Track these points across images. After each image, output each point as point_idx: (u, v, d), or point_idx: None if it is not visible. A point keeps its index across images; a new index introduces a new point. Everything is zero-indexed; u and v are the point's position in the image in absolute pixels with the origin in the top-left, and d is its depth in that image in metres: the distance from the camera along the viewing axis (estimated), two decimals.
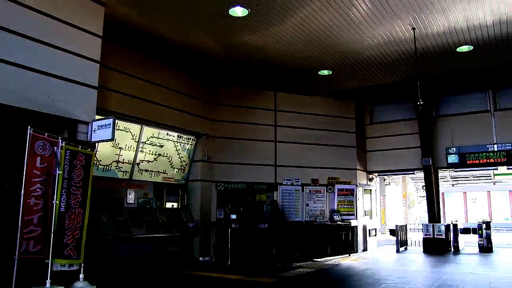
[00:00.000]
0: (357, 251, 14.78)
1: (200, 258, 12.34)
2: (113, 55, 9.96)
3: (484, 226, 14.93)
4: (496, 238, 17.59)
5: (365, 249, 15.37)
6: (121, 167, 10.86)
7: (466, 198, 30.17)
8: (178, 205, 12.74)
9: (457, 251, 14.72)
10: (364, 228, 15.57)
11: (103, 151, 10.16)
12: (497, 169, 16.41)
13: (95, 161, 9.77)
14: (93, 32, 8.10)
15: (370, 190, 16.63)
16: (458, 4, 8.90)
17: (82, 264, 6.94)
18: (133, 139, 11.01)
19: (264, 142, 14.37)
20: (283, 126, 14.71)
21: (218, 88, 13.84)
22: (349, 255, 13.75)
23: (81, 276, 6.88)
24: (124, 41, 10.46)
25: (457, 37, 10.64)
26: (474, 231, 15.84)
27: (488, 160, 14.38)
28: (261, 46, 11.10)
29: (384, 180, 25.54)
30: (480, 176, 29.08)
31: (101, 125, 7.59)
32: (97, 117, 8.02)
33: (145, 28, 9.95)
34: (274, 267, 11.24)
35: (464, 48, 11.35)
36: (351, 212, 15.03)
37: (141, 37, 10.43)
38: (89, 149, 7.32)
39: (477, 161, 14.53)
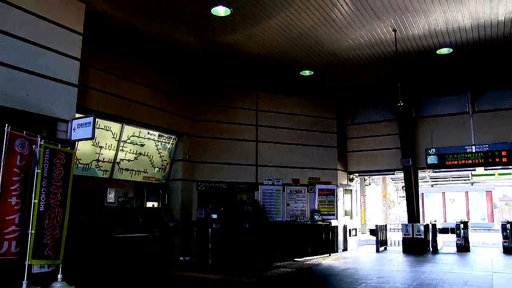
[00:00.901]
0: (337, 251, 14.87)
1: (181, 258, 12.28)
2: (94, 53, 9.83)
3: (462, 226, 15.20)
4: (473, 237, 17.90)
5: (345, 249, 15.48)
6: (101, 166, 10.74)
7: (445, 198, 30.63)
8: (158, 204, 12.66)
9: (435, 250, 14.94)
10: (345, 228, 15.68)
11: (83, 150, 10.04)
12: (475, 170, 16.71)
13: (75, 160, 9.64)
14: (73, 29, 8.00)
15: (351, 190, 16.76)
16: (438, 7, 9.03)
17: (61, 265, 6.85)
18: (113, 138, 10.90)
19: (246, 142, 14.37)
20: (265, 126, 14.72)
21: (199, 87, 13.78)
22: (330, 255, 13.83)
23: (60, 276, 6.79)
24: (106, 39, 10.35)
25: (437, 39, 10.80)
26: (452, 231, 16.13)
27: (466, 161, 14.60)
28: (243, 46, 11.10)
29: (365, 180, 25.75)
30: (459, 177, 29.60)
31: (81, 124, 7.51)
32: (77, 115, 7.92)
33: (127, 26, 9.86)
34: (255, 267, 11.25)
35: (444, 51, 11.53)
36: (331, 212, 15.13)
37: (123, 35, 10.33)
38: (69, 148, 7.22)
39: (456, 162, 14.75)
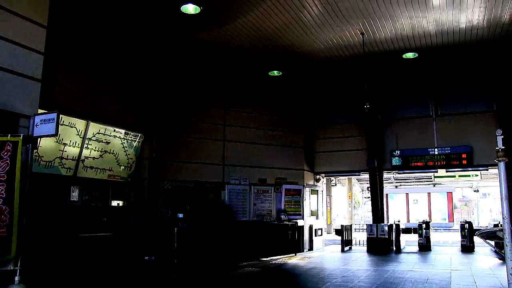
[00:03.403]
0: (303, 251, 14.99)
1: (146, 258, 12.09)
2: (60, 48, 9.57)
3: (424, 226, 15.62)
4: (434, 237, 18.43)
5: (311, 249, 15.64)
6: (65, 164, 10.47)
7: (408, 199, 31.38)
8: (124, 203, 12.45)
9: (398, 250, 15.27)
10: (310, 228, 15.83)
11: (46, 146, 9.76)
12: (437, 171, 17.15)
13: (37, 157, 9.38)
14: (37, 22, 7.74)
15: (317, 190, 16.93)
16: (404, 12, 9.24)
17: (19, 266, 6.60)
18: (78, 135, 10.64)
19: (213, 141, 14.29)
20: (232, 125, 14.68)
21: (167, 86, 13.61)
22: (295, 255, 13.94)
23: (17, 278, 6.55)
24: (73, 35, 10.10)
25: (403, 43, 11.05)
26: (415, 230, 16.52)
27: (429, 163, 15.00)
28: (212, 45, 11.06)
29: (331, 180, 26.08)
30: (422, 178, 30.37)
31: (44, 120, 7.26)
32: (40, 111, 7.69)
33: (93, 21, 9.66)
34: (221, 267, 11.22)
35: (410, 55, 11.81)
36: (297, 212, 15.25)
37: (89, 30, 10.11)
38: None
39: (419, 164, 15.13)
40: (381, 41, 10.88)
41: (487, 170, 16.02)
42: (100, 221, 10.99)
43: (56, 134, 7.30)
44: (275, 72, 13.13)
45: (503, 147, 5.25)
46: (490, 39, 10.75)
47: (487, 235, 14.18)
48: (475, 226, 17.51)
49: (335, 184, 28.48)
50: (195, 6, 8.90)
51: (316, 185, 16.89)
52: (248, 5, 8.89)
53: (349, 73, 13.30)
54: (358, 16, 9.45)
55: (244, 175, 14.63)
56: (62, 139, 10.20)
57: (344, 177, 27.76)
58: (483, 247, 15.52)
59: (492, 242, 14.58)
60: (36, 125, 7.35)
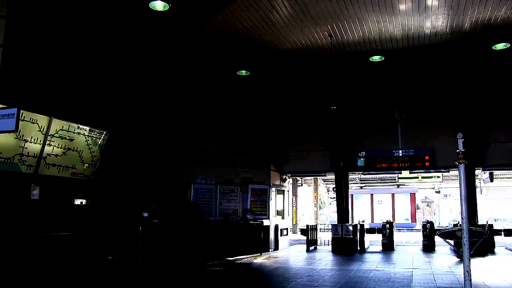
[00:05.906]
0: (268, 250, 15.05)
1: (110, 257, 11.87)
2: (21, 39, 9.27)
3: (387, 226, 15.93)
4: (397, 237, 18.81)
5: (276, 248, 15.71)
6: (25, 161, 10.14)
7: (373, 199, 31.98)
8: (87, 202, 12.18)
9: (363, 249, 15.52)
10: (276, 227, 15.90)
11: (5, 143, 9.42)
12: (401, 173, 17.53)
13: None
14: None
15: (283, 190, 17.02)
16: (372, 16, 9.39)
17: None
18: (40, 131, 10.33)
19: (179, 140, 14.13)
20: (199, 123, 14.54)
21: (132, 83, 13.35)
22: (261, 254, 13.97)
23: None
24: (35, 26, 9.79)
25: (370, 46, 11.22)
26: (379, 230, 16.84)
27: (393, 164, 15.31)
28: (180, 43, 10.95)
29: (297, 181, 26.26)
30: (386, 179, 31.00)
31: (4, 115, 7.05)
32: (0, 105, 7.43)
33: (58, 17, 9.40)
34: (186, 266, 11.13)
35: (376, 58, 12.00)
36: (263, 212, 15.30)
37: (52, 27, 9.83)
38: None
39: (384, 165, 15.42)
40: (349, 43, 11.02)
41: (448, 172, 16.52)
42: (62, 220, 10.70)
43: (16, 130, 7.09)
44: (243, 71, 13.10)
45: (464, 150, 5.40)
46: (452, 45, 11.06)
47: (447, 234, 14.59)
48: (436, 226, 18.03)
49: (301, 184, 28.72)
50: (164, 3, 8.78)
51: (282, 185, 16.98)
52: (218, 3, 8.85)
53: (317, 74, 13.40)
54: (327, 18, 9.55)
55: (210, 174, 14.55)
56: (23, 135, 9.87)
57: (310, 177, 28.02)
58: (443, 246, 15.96)
59: (452, 242, 15.02)
60: None
